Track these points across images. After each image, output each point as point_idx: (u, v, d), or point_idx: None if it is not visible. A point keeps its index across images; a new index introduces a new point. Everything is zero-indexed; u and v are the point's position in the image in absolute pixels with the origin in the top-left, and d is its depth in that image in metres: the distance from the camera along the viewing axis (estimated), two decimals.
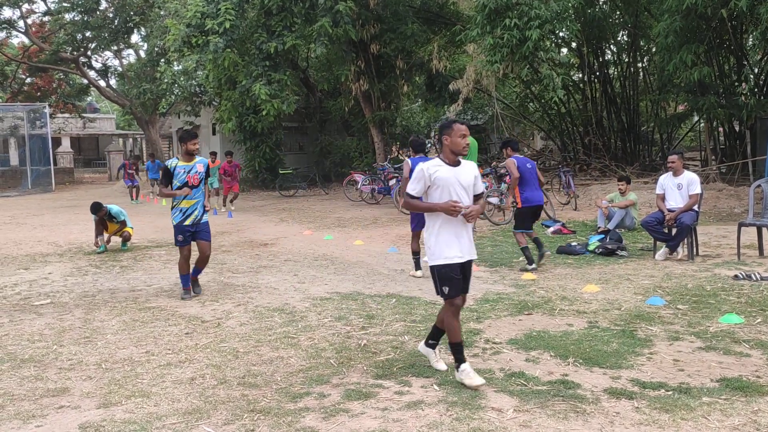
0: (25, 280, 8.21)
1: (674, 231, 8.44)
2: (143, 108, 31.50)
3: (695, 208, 8.38)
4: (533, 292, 6.84)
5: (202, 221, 7.02)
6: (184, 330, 5.70)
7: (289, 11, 17.47)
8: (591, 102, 19.62)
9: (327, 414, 3.80)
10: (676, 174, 8.54)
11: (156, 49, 27.00)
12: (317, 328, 5.65)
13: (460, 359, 4.24)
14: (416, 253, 7.95)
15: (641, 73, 20.09)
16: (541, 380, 4.26)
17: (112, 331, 5.73)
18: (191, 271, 7.17)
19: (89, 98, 46.86)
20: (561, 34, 16.80)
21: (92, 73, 36.80)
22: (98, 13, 31.63)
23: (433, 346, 4.55)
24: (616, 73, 20.18)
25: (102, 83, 37.04)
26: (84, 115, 40.97)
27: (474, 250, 4.42)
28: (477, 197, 4.43)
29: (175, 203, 6.94)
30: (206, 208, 7.18)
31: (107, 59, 38.07)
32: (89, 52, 35.04)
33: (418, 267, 7.95)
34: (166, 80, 22.24)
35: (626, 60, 19.56)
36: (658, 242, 8.64)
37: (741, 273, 7.19)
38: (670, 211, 8.44)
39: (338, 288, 7.31)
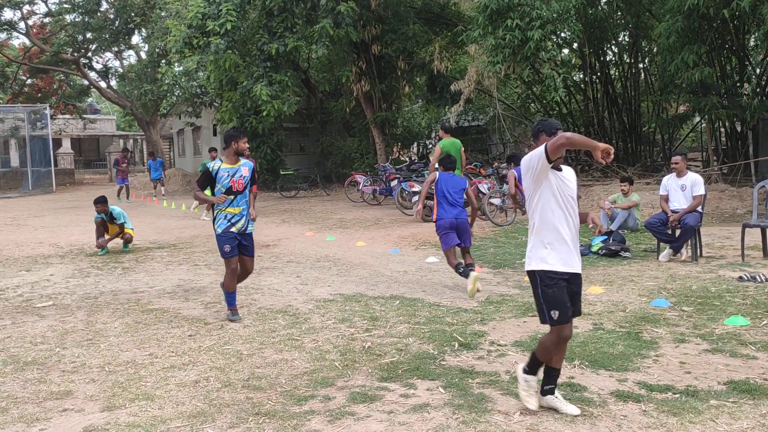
0: (27, 282, 8.19)
1: (678, 232, 8.41)
2: (144, 109, 31.51)
3: (699, 209, 8.35)
4: None
5: (247, 231, 6.19)
6: (187, 332, 5.68)
7: (291, 12, 17.47)
8: (592, 103, 19.61)
9: (332, 417, 3.78)
10: (679, 175, 8.51)
11: (157, 50, 26.98)
12: (321, 330, 5.63)
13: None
14: (458, 265, 7.07)
15: (643, 74, 20.08)
16: None
17: (115, 333, 5.71)
18: (228, 298, 6.26)
19: (90, 99, 46.87)
20: (563, 34, 16.78)
21: (93, 74, 36.82)
22: (99, 14, 31.63)
23: (551, 390, 3.84)
24: (617, 73, 20.18)
25: (103, 84, 37.05)
26: (85, 116, 41.00)
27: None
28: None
29: (218, 210, 6.09)
30: (251, 217, 6.32)
31: (108, 60, 38.09)
32: (90, 54, 35.05)
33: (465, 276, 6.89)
34: (167, 81, 22.25)
35: (628, 60, 19.55)
36: (661, 243, 8.61)
37: (745, 274, 7.16)
38: (673, 212, 8.41)
39: (341, 290, 7.29)
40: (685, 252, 8.45)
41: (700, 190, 8.33)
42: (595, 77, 19.63)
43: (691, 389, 4.06)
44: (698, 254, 8.41)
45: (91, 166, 46.55)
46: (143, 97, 28.58)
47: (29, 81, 37.16)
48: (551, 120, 3.97)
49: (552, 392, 3.83)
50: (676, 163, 8.53)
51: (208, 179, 6.10)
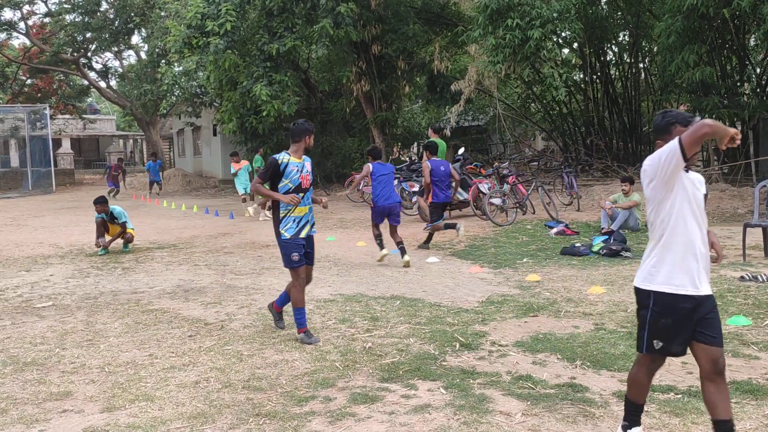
0: (27, 282, 8.17)
1: None
2: (144, 109, 31.50)
3: None
4: (538, 294, 6.80)
5: (312, 233, 5.54)
6: (187, 333, 5.66)
7: (291, 12, 17.46)
8: (593, 102, 19.60)
9: (333, 418, 3.76)
10: None
11: (157, 50, 26.99)
12: (321, 330, 5.61)
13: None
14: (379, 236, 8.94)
15: (643, 74, 20.07)
16: (549, 383, 4.22)
17: (115, 333, 5.69)
18: (277, 299, 5.76)
19: (89, 99, 46.91)
20: (563, 34, 16.77)
21: (93, 75, 36.85)
22: (99, 14, 31.64)
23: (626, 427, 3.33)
24: (617, 73, 20.17)
25: (102, 84, 37.08)
26: (84, 116, 41.03)
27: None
28: None
29: (285, 211, 5.33)
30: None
31: (108, 60, 38.13)
32: (90, 54, 35.08)
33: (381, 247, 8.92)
34: (166, 81, 22.25)
35: (628, 60, 19.54)
36: None
37: (747, 274, 7.15)
38: None
39: (342, 290, 7.27)
40: None
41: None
42: (595, 77, 19.63)
43: (693, 390, 4.04)
44: None
45: (91, 166, 46.55)
46: (143, 97, 28.59)
47: (29, 81, 37.19)
48: (679, 111, 3.36)
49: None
50: None
51: (274, 173, 5.33)
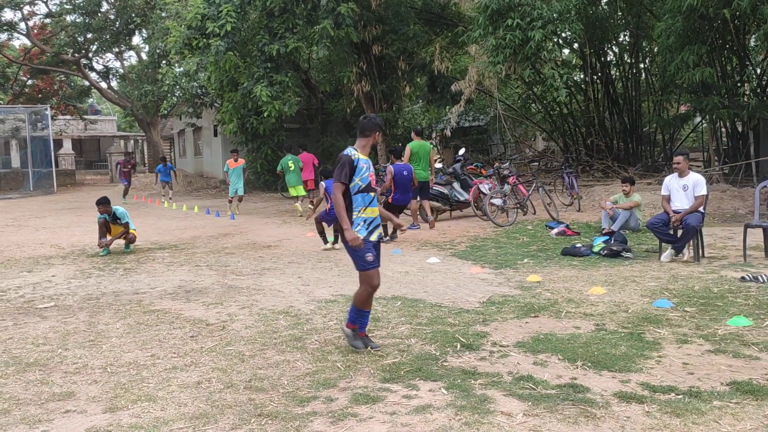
0: (29, 283, 8.19)
1: (680, 232, 8.40)
2: (145, 110, 31.55)
3: (701, 209, 8.34)
4: (539, 294, 6.81)
5: (380, 237, 5.11)
6: (189, 333, 5.68)
7: (291, 13, 17.47)
8: (593, 103, 19.61)
9: (335, 418, 3.77)
10: (681, 175, 8.50)
11: (157, 50, 27.03)
12: (323, 330, 5.63)
13: None
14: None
15: (643, 74, 20.08)
16: (550, 384, 4.23)
17: (117, 334, 5.71)
18: (352, 315, 5.15)
19: (90, 100, 46.98)
20: (563, 34, 16.79)
21: (93, 75, 36.90)
22: (99, 15, 31.68)
23: None
24: (618, 73, 20.18)
25: (103, 85, 37.12)
26: (85, 116, 41.06)
27: None
28: None
29: (356, 212, 4.98)
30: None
31: (108, 61, 38.19)
32: (90, 54, 35.10)
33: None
34: (167, 82, 22.27)
35: (628, 60, 19.56)
36: (663, 244, 8.61)
37: (748, 275, 7.16)
38: (675, 212, 8.40)
39: (343, 290, 7.28)
40: (687, 252, 8.44)
41: (702, 190, 8.32)
42: (595, 77, 19.64)
43: (694, 390, 4.05)
44: (700, 255, 8.41)
45: (92, 166, 46.61)
46: (144, 97, 28.63)
47: (30, 82, 37.22)
48: None
49: None
50: (678, 163, 8.52)
51: (351, 171, 4.93)
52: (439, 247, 10.29)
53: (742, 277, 7.12)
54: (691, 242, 8.36)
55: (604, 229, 10.19)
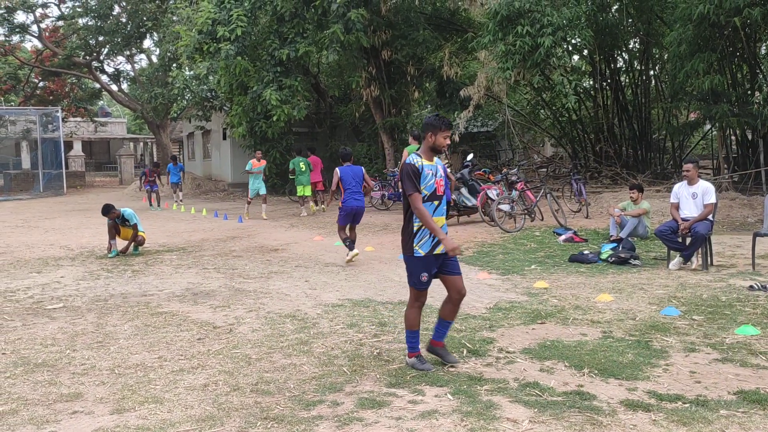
0: (38, 284, 8.24)
1: (688, 240, 8.37)
2: (155, 112, 31.74)
3: (710, 217, 8.31)
4: (546, 301, 6.80)
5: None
6: (196, 336, 5.70)
7: (302, 17, 17.54)
8: (602, 109, 19.57)
9: (340, 422, 3.78)
10: (690, 183, 8.47)
11: (168, 54, 27.20)
12: (329, 335, 5.64)
13: None
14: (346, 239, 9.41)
15: (653, 81, 20.02)
16: (556, 391, 4.23)
17: (125, 336, 5.74)
18: (435, 332, 4.88)
19: (101, 102, 47.26)
20: (573, 41, 16.78)
21: (104, 78, 37.16)
22: (111, 18, 31.94)
23: None
24: (628, 80, 20.14)
25: (114, 87, 37.37)
26: (96, 119, 41.31)
27: None
28: None
29: (420, 224, 4.62)
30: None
31: (119, 64, 38.43)
32: (102, 57, 35.35)
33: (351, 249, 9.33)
34: (177, 85, 22.40)
35: (638, 67, 19.52)
36: (671, 251, 8.57)
37: (756, 284, 7.12)
38: (684, 220, 8.37)
39: (350, 295, 7.29)
40: (696, 260, 8.41)
41: (712, 198, 8.28)
42: (605, 84, 19.60)
43: (701, 399, 4.04)
44: (709, 263, 8.37)
45: (102, 168, 46.89)
46: (154, 100, 28.81)
47: (41, 84, 37.51)
48: None
49: None
50: (688, 171, 8.48)
51: (417, 178, 4.62)
52: None
53: (751, 286, 7.08)
54: (700, 250, 8.33)
55: (612, 236, 10.17)
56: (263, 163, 16.86)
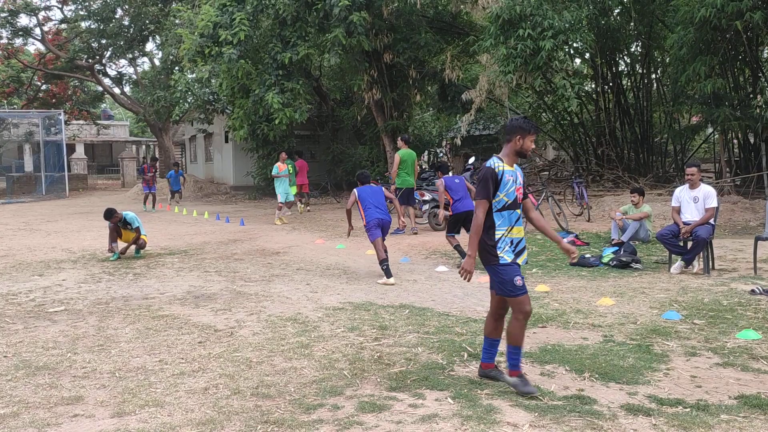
0: (40, 287, 8.25)
1: (690, 244, 8.36)
2: (157, 115, 31.79)
3: (711, 221, 8.30)
4: (547, 305, 6.80)
5: (524, 263, 4.58)
6: (197, 339, 5.70)
7: (304, 21, 17.56)
8: (604, 112, 19.56)
9: (341, 426, 3.78)
10: (692, 187, 8.46)
11: (170, 57, 27.25)
12: (330, 338, 5.64)
13: None
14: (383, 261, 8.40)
15: (655, 84, 20.02)
16: (557, 395, 4.22)
17: (126, 339, 5.74)
18: (512, 358, 4.40)
19: (104, 105, 47.38)
20: (575, 44, 16.79)
21: (107, 81, 37.22)
22: (114, 21, 32.01)
23: None
24: (629, 83, 20.13)
25: (116, 91, 37.43)
26: (98, 122, 41.39)
27: None
28: None
29: (501, 232, 4.41)
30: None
31: (122, 67, 38.57)
32: (104, 60, 35.43)
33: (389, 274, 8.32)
34: (179, 88, 22.44)
35: (640, 71, 19.51)
36: (673, 255, 8.57)
37: (758, 288, 7.11)
38: (685, 224, 8.36)
39: (351, 298, 7.30)
40: (697, 264, 8.40)
41: (713, 202, 8.27)
42: (607, 87, 19.60)
43: (702, 403, 4.03)
44: (710, 267, 8.36)
45: (104, 171, 46.98)
46: (156, 103, 28.85)
47: (44, 87, 37.60)
48: None
49: None
50: (692, 174, 8.44)
51: (495, 185, 4.35)
52: (448, 256, 10.29)
53: (752, 290, 7.07)
54: (701, 254, 8.32)
55: (613, 239, 10.16)
56: (286, 166, 16.71)
